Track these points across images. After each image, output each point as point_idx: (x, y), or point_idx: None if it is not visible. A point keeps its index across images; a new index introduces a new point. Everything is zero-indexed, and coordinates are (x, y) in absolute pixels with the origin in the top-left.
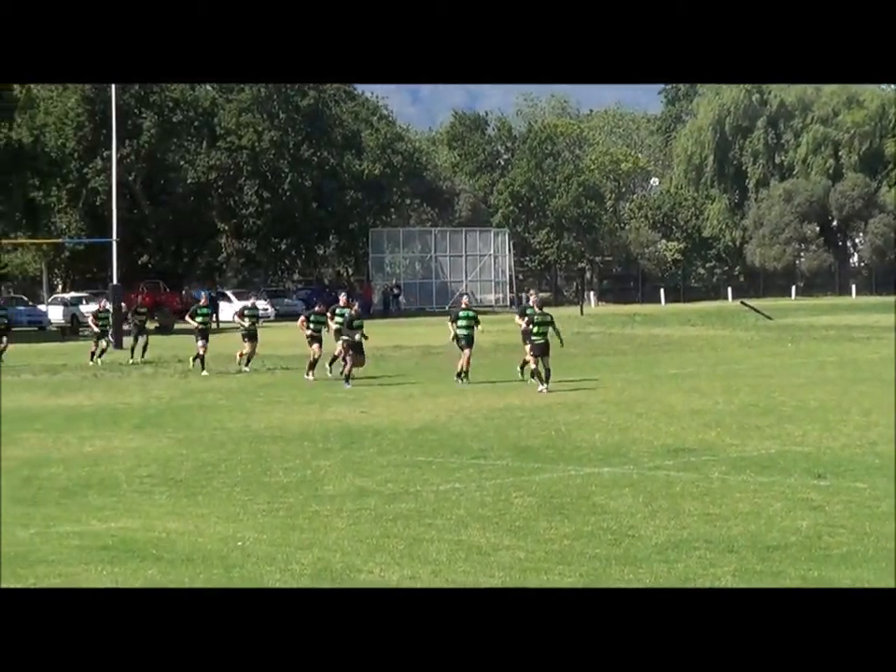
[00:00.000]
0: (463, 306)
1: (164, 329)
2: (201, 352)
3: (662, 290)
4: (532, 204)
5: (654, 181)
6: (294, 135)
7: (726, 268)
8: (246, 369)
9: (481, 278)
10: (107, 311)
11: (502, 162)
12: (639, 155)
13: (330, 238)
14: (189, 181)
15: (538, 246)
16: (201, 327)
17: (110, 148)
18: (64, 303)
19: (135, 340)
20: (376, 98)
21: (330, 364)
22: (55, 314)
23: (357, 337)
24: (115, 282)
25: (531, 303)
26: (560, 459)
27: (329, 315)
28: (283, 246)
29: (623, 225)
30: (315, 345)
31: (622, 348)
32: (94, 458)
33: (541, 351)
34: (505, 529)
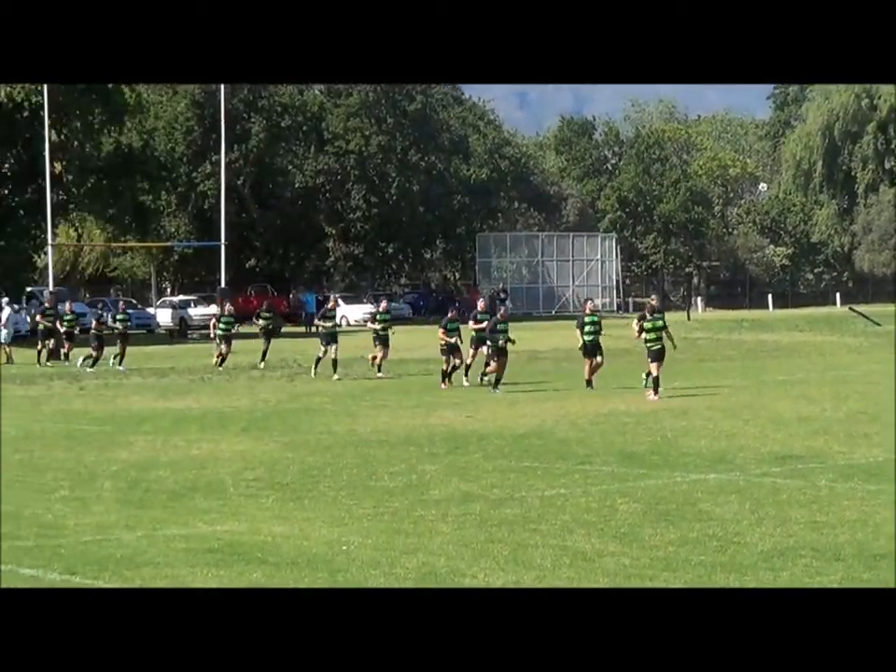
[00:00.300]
0: (588, 311)
1: (272, 333)
2: (324, 355)
3: (770, 296)
4: (639, 209)
5: (762, 186)
6: (402, 140)
7: (835, 273)
8: (380, 374)
9: (588, 283)
10: (231, 315)
11: (610, 167)
12: (748, 160)
13: (437, 242)
14: (296, 185)
15: (645, 251)
16: (329, 330)
17: (219, 153)
18: (173, 306)
19: (267, 343)
20: (483, 103)
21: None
22: (163, 317)
23: (502, 342)
24: (223, 285)
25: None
26: (666, 465)
27: (471, 321)
28: (390, 251)
29: (730, 230)
30: (450, 356)
31: (729, 354)
32: (201, 461)
33: (657, 356)
34: (610, 535)
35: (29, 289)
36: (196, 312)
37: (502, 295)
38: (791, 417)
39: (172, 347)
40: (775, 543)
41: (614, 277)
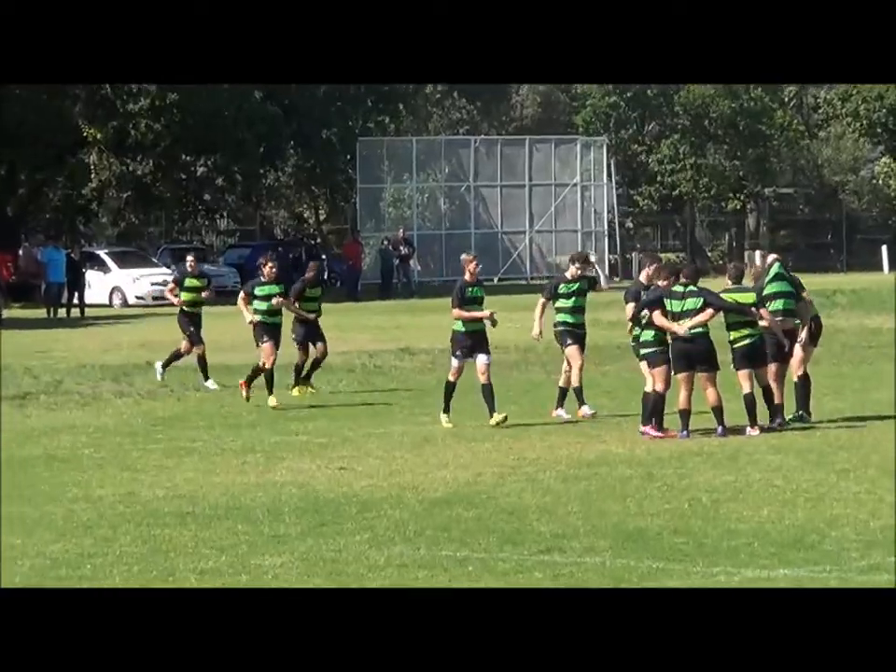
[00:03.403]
0: (572, 276)
1: None
2: (271, 363)
3: (884, 249)
4: (650, 95)
5: None
6: None
7: None
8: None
9: (556, 227)
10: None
11: None
12: None
13: (288, 154)
14: None
15: (658, 169)
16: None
17: None
18: None
19: None
20: None
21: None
22: None
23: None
24: None
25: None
26: (699, 554)
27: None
28: (198, 170)
29: (813, 133)
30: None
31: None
32: None
33: (749, 360)
34: None
35: None
36: None
37: (403, 249)
38: None
39: None
40: None
41: (605, 215)
